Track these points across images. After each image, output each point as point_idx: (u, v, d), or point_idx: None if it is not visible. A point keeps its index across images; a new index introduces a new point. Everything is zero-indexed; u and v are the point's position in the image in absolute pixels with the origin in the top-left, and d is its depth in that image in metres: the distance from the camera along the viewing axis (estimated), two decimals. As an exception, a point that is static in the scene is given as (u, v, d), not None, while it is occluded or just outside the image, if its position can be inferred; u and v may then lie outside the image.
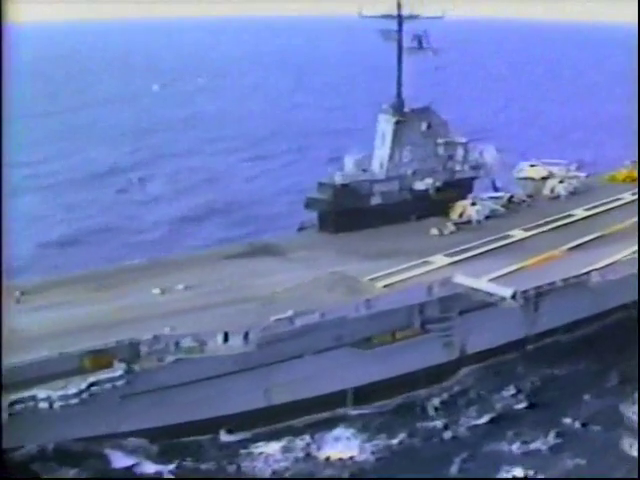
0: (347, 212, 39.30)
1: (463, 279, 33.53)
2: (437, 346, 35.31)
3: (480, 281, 33.25)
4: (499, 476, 29.26)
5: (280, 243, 38.52)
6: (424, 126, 40.84)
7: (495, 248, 38.04)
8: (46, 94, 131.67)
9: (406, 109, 40.71)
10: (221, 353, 28.86)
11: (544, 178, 49.38)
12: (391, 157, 40.62)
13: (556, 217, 43.16)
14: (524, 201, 45.45)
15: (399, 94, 40.75)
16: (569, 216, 43.85)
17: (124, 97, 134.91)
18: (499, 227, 41.16)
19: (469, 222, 41.63)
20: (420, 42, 40.16)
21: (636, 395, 34.93)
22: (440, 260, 36.09)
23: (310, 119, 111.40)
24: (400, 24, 40.31)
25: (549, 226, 41.63)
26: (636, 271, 36.85)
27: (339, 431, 31.80)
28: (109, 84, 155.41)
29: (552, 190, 47.48)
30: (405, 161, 41.13)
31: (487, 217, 42.26)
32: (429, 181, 41.28)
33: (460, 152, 42.28)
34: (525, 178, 50.02)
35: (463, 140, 42.36)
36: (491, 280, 33.82)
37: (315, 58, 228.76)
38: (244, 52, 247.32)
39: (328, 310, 30.50)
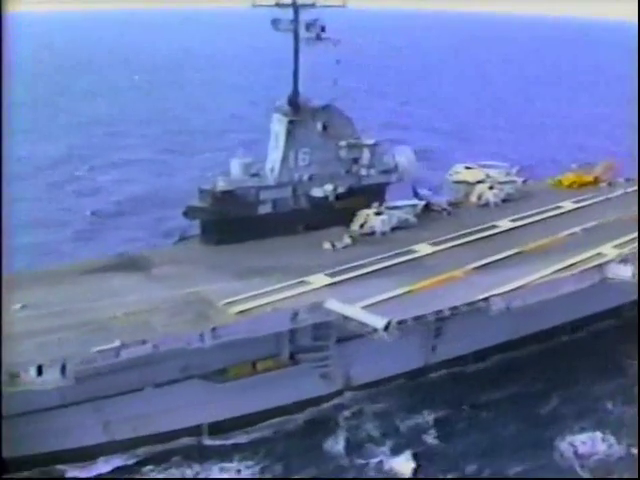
0: (230, 222, 34.99)
1: (335, 305, 29.31)
2: (313, 377, 31.33)
3: (352, 308, 28.98)
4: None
5: (151, 256, 34.40)
6: (319, 126, 36.41)
7: (390, 266, 33.65)
8: (22, 85, 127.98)
9: (303, 107, 36.41)
10: (36, 387, 25.39)
11: (481, 182, 45.01)
12: (284, 161, 36.15)
13: (476, 229, 38.56)
14: (444, 209, 40.81)
15: (295, 90, 36.42)
16: (491, 228, 39.24)
17: (103, 89, 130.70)
18: (406, 240, 36.68)
19: (372, 234, 37.41)
20: (317, 32, 35.83)
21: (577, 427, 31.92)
22: (319, 280, 31.78)
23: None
24: (296, 12, 35.89)
25: (464, 239, 37.06)
26: (556, 294, 32.44)
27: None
28: (94, 75, 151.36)
29: (479, 197, 42.92)
30: (301, 165, 36.62)
31: (395, 228, 37.98)
32: (329, 187, 36.77)
33: (366, 155, 37.75)
34: (459, 182, 45.63)
35: (369, 142, 37.79)
36: (372, 305, 29.63)
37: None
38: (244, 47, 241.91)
39: (168, 339, 26.83)
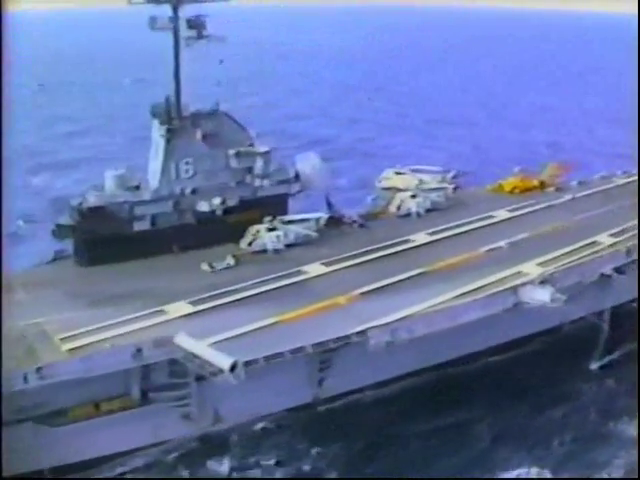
0: (103, 241, 31.58)
1: (184, 340, 26.04)
2: (172, 418, 28.12)
3: (200, 344, 25.70)
4: None
5: (13, 279, 31.15)
6: (199, 134, 32.85)
7: (270, 290, 30.03)
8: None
9: (183, 113, 32.95)
10: None
11: (404, 190, 40.87)
12: (164, 172, 32.69)
13: (384, 244, 34.68)
14: (355, 222, 37.12)
15: (178, 94, 32.97)
16: (404, 242, 35.38)
17: (87, 86, 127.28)
18: (300, 259, 32.99)
19: (264, 251, 33.90)
20: (199, 30, 32.38)
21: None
22: (179, 309, 28.35)
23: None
24: (175, 9, 32.42)
25: (365, 258, 33.23)
26: (456, 323, 28.76)
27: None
28: (84, 73, 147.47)
29: (399, 207, 38.98)
30: (184, 177, 33.15)
31: (292, 245, 34.25)
32: (216, 200, 33.31)
33: (259, 164, 34.15)
34: (389, 188, 41.68)
35: (262, 149, 34.14)
36: (228, 340, 26.20)
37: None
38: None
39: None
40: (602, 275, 34.58)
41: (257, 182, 34.35)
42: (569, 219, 39.73)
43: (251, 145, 34.12)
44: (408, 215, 38.86)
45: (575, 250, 35.52)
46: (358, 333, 26.93)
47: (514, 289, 30.92)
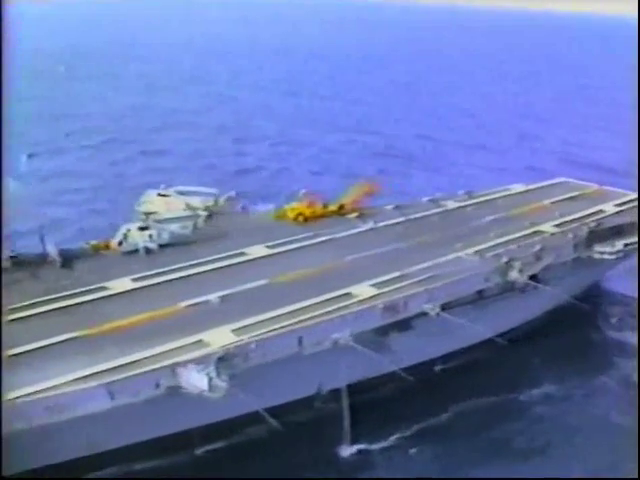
0: None
1: None
2: None
3: None
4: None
5: None
6: None
7: None
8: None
9: None
10: None
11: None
12: None
13: (64, 294, 28.85)
14: (55, 261, 31.32)
15: None
16: (96, 291, 29.25)
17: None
18: None
19: None
20: None
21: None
22: None
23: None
24: None
25: (20, 314, 27.23)
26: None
27: None
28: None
29: (121, 242, 32.94)
30: None
31: None
32: None
33: None
34: (149, 213, 35.75)
35: None
36: None
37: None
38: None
39: None
40: (338, 342, 28.25)
41: None
42: (338, 259, 33.20)
43: None
44: (136, 251, 33.09)
45: (308, 307, 28.94)
46: None
47: (172, 368, 25.26)
